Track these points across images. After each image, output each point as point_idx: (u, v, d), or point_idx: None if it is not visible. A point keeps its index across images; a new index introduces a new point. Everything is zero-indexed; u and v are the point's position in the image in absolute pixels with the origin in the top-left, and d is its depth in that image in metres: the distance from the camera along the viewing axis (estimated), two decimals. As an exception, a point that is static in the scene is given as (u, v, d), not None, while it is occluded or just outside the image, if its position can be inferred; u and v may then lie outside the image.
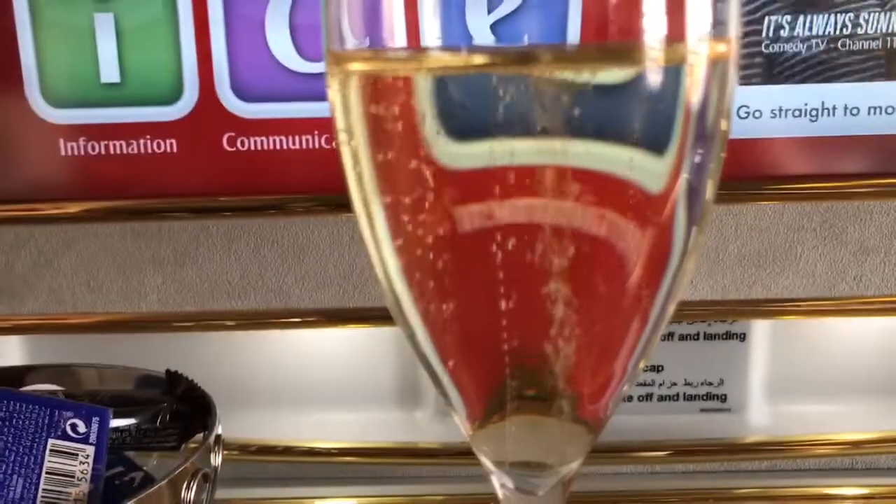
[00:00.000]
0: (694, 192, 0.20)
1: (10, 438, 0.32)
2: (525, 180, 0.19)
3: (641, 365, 0.23)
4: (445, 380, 0.23)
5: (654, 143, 0.18)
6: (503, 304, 0.20)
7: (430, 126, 0.19)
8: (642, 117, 0.18)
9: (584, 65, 0.18)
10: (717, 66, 0.19)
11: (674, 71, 0.18)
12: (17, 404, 0.34)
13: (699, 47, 0.18)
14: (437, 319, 0.21)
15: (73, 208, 0.50)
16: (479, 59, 0.20)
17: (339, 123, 0.22)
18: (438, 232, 0.20)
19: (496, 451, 0.24)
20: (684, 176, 0.19)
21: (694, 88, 0.18)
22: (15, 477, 0.32)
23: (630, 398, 0.55)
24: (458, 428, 0.25)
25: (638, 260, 0.20)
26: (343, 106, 0.22)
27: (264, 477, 0.52)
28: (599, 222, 0.19)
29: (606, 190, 0.19)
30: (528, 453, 0.24)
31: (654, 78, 0.18)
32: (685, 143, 0.19)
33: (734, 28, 0.20)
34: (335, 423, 0.55)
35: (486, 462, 0.24)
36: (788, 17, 0.46)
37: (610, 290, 0.20)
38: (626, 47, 0.18)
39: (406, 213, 0.20)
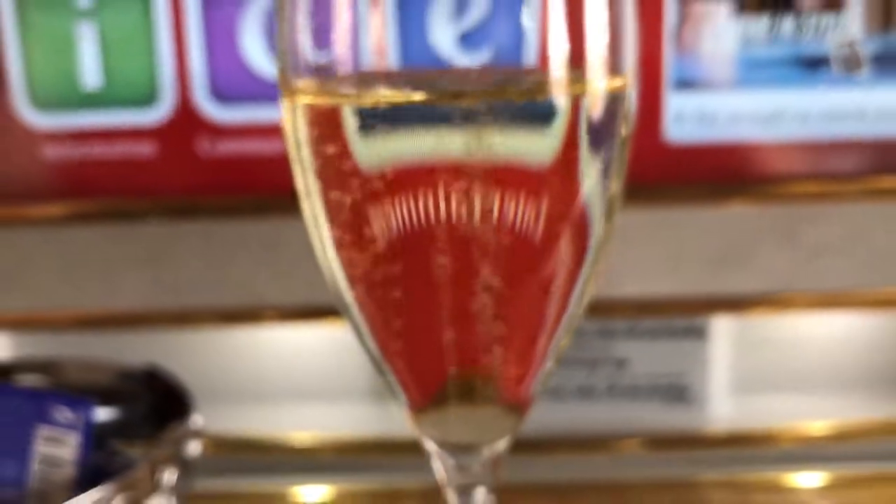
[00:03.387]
0: (599, 192, 0.22)
1: (2, 426, 0.35)
2: (449, 203, 0.21)
3: (556, 357, 0.25)
4: (388, 375, 0.25)
5: (564, 157, 0.20)
6: (435, 306, 0.22)
7: (359, 153, 0.21)
8: (551, 136, 0.20)
9: (502, 100, 0.21)
10: (615, 95, 0.21)
11: (576, 100, 0.20)
12: (8, 395, 0.36)
13: (598, 83, 0.20)
14: (378, 322, 0.23)
15: (55, 209, 0.52)
16: (412, 97, 0.22)
17: (289, 138, 0.24)
18: (372, 244, 0.22)
19: (442, 433, 0.26)
20: (590, 181, 0.21)
21: (594, 112, 0.21)
22: (7, 460, 0.34)
23: (596, 391, 0.57)
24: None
25: (551, 258, 0.22)
26: (292, 125, 0.24)
27: (241, 469, 0.54)
28: (516, 227, 0.21)
29: (523, 194, 0.21)
30: (466, 433, 0.26)
31: (562, 104, 0.20)
32: (587, 155, 0.21)
33: (630, 64, 0.22)
34: (311, 416, 0.56)
35: (429, 443, 0.26)
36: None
37: (528, 290, 0.22)
38: (540, 83, 0.20)
39: (344, 226, 0.22)
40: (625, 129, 0.22)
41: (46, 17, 0.50)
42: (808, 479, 0.54)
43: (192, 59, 0.50)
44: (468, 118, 0.20)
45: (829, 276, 0.51)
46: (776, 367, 0.57)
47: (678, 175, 0.50)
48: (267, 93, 0.50)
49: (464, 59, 0.27)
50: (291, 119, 0.24)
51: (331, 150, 0.23)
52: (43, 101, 0.51)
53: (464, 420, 0.26)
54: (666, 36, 0.48)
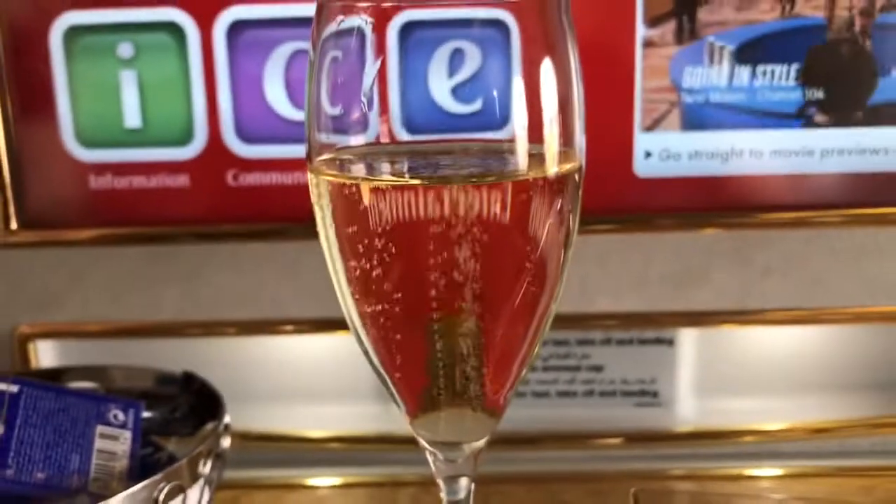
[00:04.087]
0: (563, 231, 0.29)
1: (67, 425, 0.41)
2: (438, 254, 0.28)
3: (526, 369, 0.32)
4: (390, 387, 0.32)
5: (533, 213, 0.28)
6: (429, 334, 0.29)
7: (361, 207, 0.28)
8: (526, 200, 0.27)
9: (482, 180, 0.28)
10: (570, 176, 0.28)
11: (543, 180, 0.28)
12: (72, 398, 0.43)
13: (555, 165, 0.28)
14: (380, 348, 0.31)
15: (100, 233, 0.58)
16: (409, 182, 0.29)
17: (313, 191, 0.31)
18: (381, 282, 0.29)
19: (433, 434, 0.33)
20: (553, 223, 0.28)
21: (557, 184, 0.28)
22: (72, 454, 0.41)
23: (575, 394, 0.64)
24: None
25: (528, 286, 0.29)
26: (314, 181, 0.31)
27: (262, 461, 0.61)
28: (499, 261, 0.28)
29: (508, 239, 0.28)
30: (456, 434, 0.33)
31: (531, 181, 0.27)
32: (549, 208, 0.28)
33: (580, 141, 0.29)
34: (324, 415, 0.63)
35: (422, 441, 0.33)
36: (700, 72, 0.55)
37: (506, 317, 0.29)
38: (513, 162, 0.28)
39: (362, 259, 0.29)
40: (578, 190, 0.29)
41: (92, 65, 0.56)
42: (765, 471, 0.61)
43: (221, 103, 0.56)
44: (453, 195, 0.27)
45: (774, 295, 0.58)
46: (736, 373, 0.63)
47: (646, 205, 0.57)
48: (286, 133, 0.57)
49: (456, 107, 0.34)
50: (316, 179, 0.31)
51: (345, 205, 0.29)
52: (88, 139, 0.58)
53: (450, 424, 0.33)
54: (636, 90, 0.55)
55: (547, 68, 0.29)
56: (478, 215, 0.27)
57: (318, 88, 0.32)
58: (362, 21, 0.31)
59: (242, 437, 0.59)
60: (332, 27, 0.31)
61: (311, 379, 0.64)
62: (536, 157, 0.29)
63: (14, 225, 0.58)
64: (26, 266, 0.59)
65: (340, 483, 0.59)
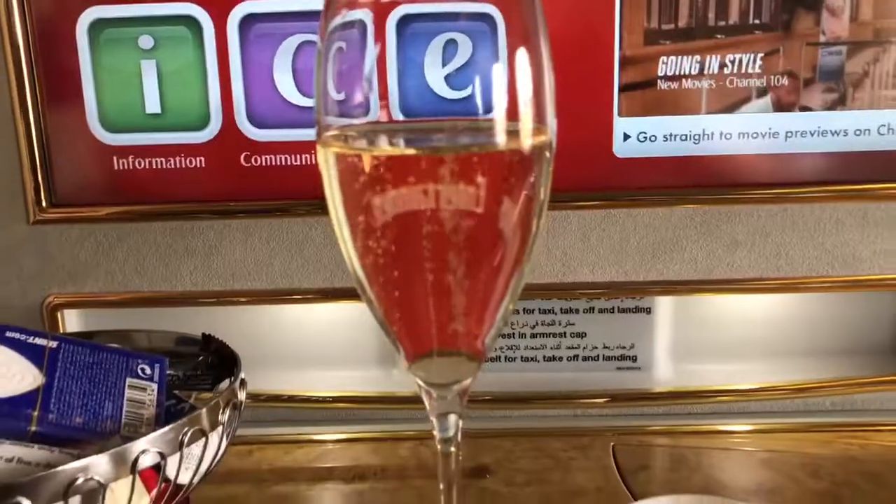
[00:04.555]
0: (534, 199, 0.34)
1: (100, 377, 0.47)
2: (430, 216, 0.33)
3: (503, 322, 0.37)
4: (393, 336, 0.38)
5: (509, 178, 0.32)
6: (422, 287, 0.34)
7: (362, 174, 0.33)
8: (504, 170, 0.32)
9: (464, 147, 0.33)
10: (541, 145, 0.33)
11: (517, 152, 0.33)
12: (104, 353, 0.48)
13: (529, 139, 0.33)
14: (383, 298, 0.36)
15: (123, 211, 0.63)
16: (405, 151, 0.34)
17: (321, 161, 0.36)
18: (379, 240, 0.34)
19: (427, 376, 0.38)
20: (526, 191, 0.33)
21: (530, 157, 0.33)
22: (106, 402, 0.46)
23: (560, 359, 0.69)
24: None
25: (509, 244, 0.34)
26: (323, 153, 0.36)
27: (273, 419, 0.66)
28: (481, 222, 0.33)
29: (488, 203, 0.33)
30: (444, 375, 0.38)
31: (506, 153, 0.32)
32: (523, 177, 0.33)
33: (551, 121, 0.34)
34: (329, 378, 0.68)
35: (423, 382, 0.38)
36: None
37: (485, 271, 0.34)
38: (493, 138, 0.33)
39: (361, 220, 0.34)
40: (549, 164, 0.34)
41: (115, 55, 0.61)
42: (736, 427, 0.66)
43: (234, 91, 0.61)
44: (440, 162, 0.32)
45: (741, 266, 0.63)
46: (708, 339, 0.69)
47: (624, 183, 0.62)
48: (294, 118, 0.62)
49: (449, 93, 0.39)
50: (324, 151, 0.36)
51: (349, 174, 0.34)
52: (112, 123, 0.62)
53: (440, 367, 0.38)
54: (615, 79, 0.60)
55: (522, 57, 0.33)
56: (461, 180, 0.32)
57: (324, 75, 0.37)
58: (364, 14, 0.36)
59: (254, 398, 0.64)
60: (337, 20, 0.36)
61: (317, 344, 0.69)
62: (514, 134, 0.34)
63: (44, 203, 0.63)
64: (55, 241, 0.64)
65: (345, 438, 0.64)
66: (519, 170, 0.34)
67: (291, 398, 0.67)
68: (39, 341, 0.46)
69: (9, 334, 0.45)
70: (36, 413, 0.43)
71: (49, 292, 0.65)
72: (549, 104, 0.35)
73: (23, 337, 0.45)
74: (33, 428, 0.43)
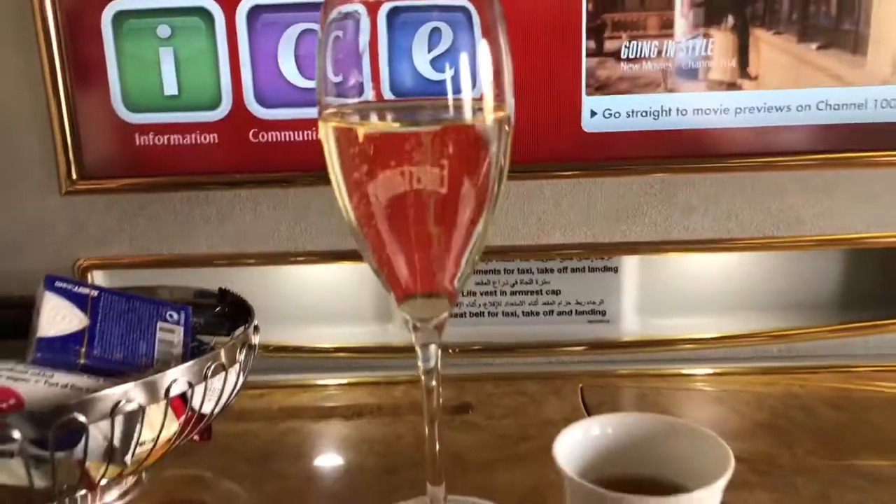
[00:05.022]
0: (495, 164, 0.41)
1: (135, 321, 0.54)
2: (413, 177, 0.40)
3: (471, 267, 0.45)
4: (383, 279, 0.45)
5: (474, 147, 0.40)
6: (404, 234, 0.42)
7: (357, 144, 0.41)
8: (469, 140, 0.40)
9: (438, 121, 0.41)
10: (500, 120, 0.41)
11: (481, 126, 0.40)
12: (137, 302, 0.56)
13: (490, 114, 0.40)
14: (376, 242, 0.43)
15: (144, 182, 0.71)
16: (392, 126, 0.42)
17: (322, 134, 0.44)
18: (369, 197, 0.42)
19: (412, 313, 0.46)
20: (488, 156, 0.41)
21: (491, 129, 0.40)
22: (140, 342, 0.54)
23: (538, 313, 0.77)
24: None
25: (474, 198, 0.41)
26: (324, 127, 0.43)
27: (281, 367, 0.74)
28: (451, 178, 0.40)
29: (453, 163, 0.40)
30: (425, 312, 0.46)
31: (471, 127, 0.40)
32: (485, 145, 0.41)
33: (509, 100, 0.41)
34: (331, 331, 0.76)
35: (410, 317, 0.46)
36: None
37: (453, 222, 0.42)
38: (462, 114, 0.40)
39: (357, 179, 0.42)
40: (507, 136, 0.41)
41: (136, 43, 0.69)
42: (695, 371, 0.73)
43: (243, 74, 0.69)
44: (423, 134, 0.39)
45: (696, 228, 0.70)
46: (670, 294, 0.76)
47: (591, 155, 0.69)
48: (297, 99, 0.69)
49: (433, 74, 0.46)
50: (325, 125, 0.43)
51: (343, 137, 0.42)
52: (134, 104, 0.70)
53: (422, 304, 0.45)
54: (582, 63, 0.67)
55: (484, 48, 0.41)
56: (434, 148, 0.40)
57: (324, 61, 0.44)
58: (358, 7, 0.43)
59: (264, 349, 0.72)
60: (334, 14, 0.43)
61: (319, 300, 0.77)
62: (479, 110, 0.41)
63: (74, 177, 0.70)
64: (84, 210, 0.71)
65: (345, 382, 0.72)
66: (482, 140, 0.41)
67: (297, 349, 0.75)
68: (83, 290, 0.53)
69: (57, 284, 0.53)
70: (83, 349, 0.51)
71: (79, 256, 0.72)
72: (508, 86, 0.42)
73: (69, 286, 0.53)
74: (81, 361, 0.51)
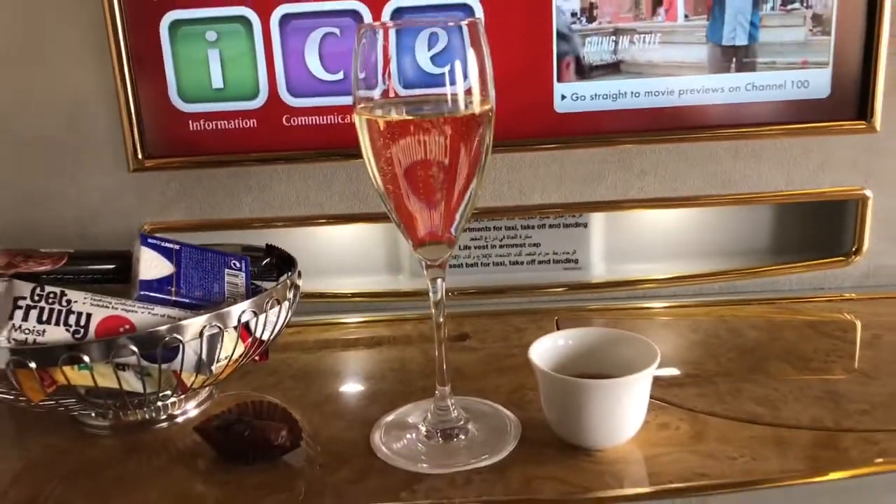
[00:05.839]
0: (482, 143, 0.57)
1: (208, 268, 0.70)
2: (424, 150, 0.56)
3: (466, 218, 0.61)
4: (403, 230, 0.61)
5: (466, 131, 0.56)
6: (416, 195, 0.58)
7: (382, 130, 0.57)
8: (463, 125, 0.56)
9: (439, 112, 0.56)
10: (486, 112, 0.56)
11: (471, 115, 0.56)
12: (208, 254, 0.71)
13: (481, 106, 0.56)
14: (398, 202, 0.59)
15: (197, 160, 0.86)
16: (405, 117, 0.58)
17: (357, 123, 0.59)
18: (392, 168, 0.58)
19: (424, 255, 0.62)
20: (477, 137, 0.57)
21: (479, 117, 0.56)
22: (214, 284, 0.69)
23: (522, 262, 0.93)
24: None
25: (466, 169, 0.57)
26: (358, 118, 0.59)
27: (311, 310, 0.89)
28: (450, 153, 0.56)
29: (452, 147, 0.56)
30: (432, 254, 0.62)
31: (464, 116, 0.56)
32: (474, 129, 0.56)
33: (492, 93, 0.57)
34: (351, 280, 0.92)
35: (422, 258, 0.62)
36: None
37: (452, 185, 0.58)
38: (457, 105, 0.56)
39: (382, 156, 0.57)
40: (491, 121, 0.57)
41: (188, 46, 0.84)
42: (652, 305, 0.89)
43: (277, 70, 0.84)
44: (428, 122, 0.55)
45: (649, 190, 0.86)
46: (631, 244, 0.92)
47: (562, 132, 0.85)
48: (321, 90, 0.84)
49: (432, 68, 0.62)
50: (359, 117, 0.58)
51: (372, 126, 0.57)
52: (187, 96, 0.85)
53: (430, 248, 0.61)
54: (554, 58, 0.83)
55: (471, 54, 0.56)
56: (438, 132, 0.56)
57: (356, 64, 0.60)
58: (376, 26, 0.59)
59: (298, 294, 0.88)
60: (362, 31, 0.59)
61: (340, 255, 0.93)
62: (470, 103, 0.57)
63: (140, 156, 0.86)
64: (148, 183, 0.87)
65: (364, 321, 0.89)
66: (472, 125, 0.57)
67: (323, 295, 0.91)
68: (168, 245, 0.69)
69: (150, 240, 0.69)
70: (173, 289, 0.67)
71: (144, 221, 0.88)
72: (490, 84, 0.58)
73: (158, 242, 0.69)
74: (172, 298, 0.67)
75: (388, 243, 0.93)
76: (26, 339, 0.62)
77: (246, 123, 0.85)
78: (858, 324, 0.83)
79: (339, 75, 0.84)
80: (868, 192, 0.87)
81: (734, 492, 0.56)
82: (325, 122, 0.85)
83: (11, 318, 0.62)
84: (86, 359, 0.61)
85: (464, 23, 0.57)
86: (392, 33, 0.59)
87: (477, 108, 0.57)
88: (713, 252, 0.93)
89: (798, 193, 0.87)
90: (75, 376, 0.62)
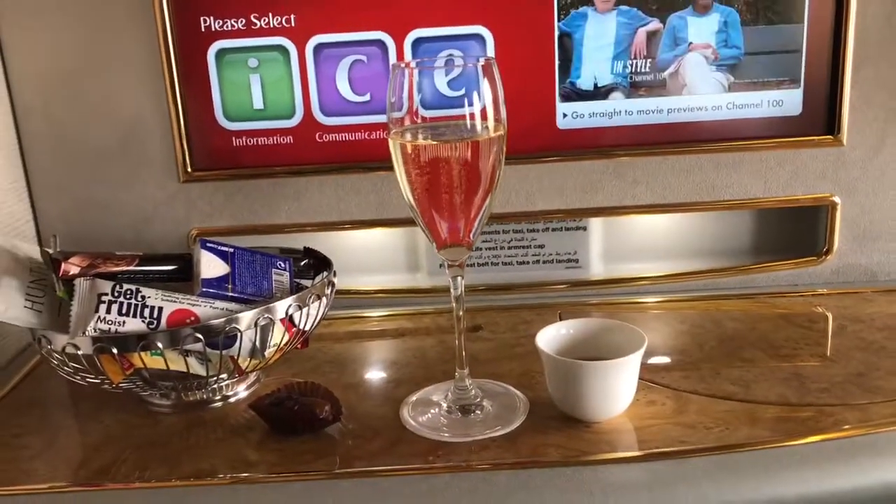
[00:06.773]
0: (497, 163, 0.68)
1: (257, 268, 0.81)
2: (448, 166, 0.67)
3: (481, 226, 0.71)
4: (428, 234, 0.72)
5: (482, 152, 0.66)
6: (439, 202, 0.69)
7: (410, 152, 0.67)
8: (479, 147, 0.66)
9: (460, 137, 0.67)
10: (500, 136, 0.67)
11: (486, 139, 0.67)
12: (258, 255, 0.82)
13: (495, 131, 0.67)
14: (424, 211, 0.70)
15: (239, 173, 0.96)
16: (429, 141, 0.69)
17: (391, 146, 0.70)
18: (420, 180, 0.68)
19: (445, 256, 0.73)
20: (492, 158, 0.67)
21: (493, 139, 0.67)
22: (263, 281, 0.80)
23: (528, 262, 1.04)
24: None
25: (483, 185, 0.68)
26: (392, 142, 0.70)
27: (341, 307, 0.99)
28: (469, 171, 0.66)
29: (469, 165, 0.67)
30: (453, 256, 0.72)
31: (479, 139, 0.66)
32: (490, 151, 0.67)
33: (504, 121, 0.68)
34: (375, 278, 1.03)
35: (445, 259, 0.73)
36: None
37: (471, 197, 0.68)
38: (475, 130, 0.66)
39: (412, 173, 0.68)
40: (503, 142, 0.67)
41: (233, 72, 0.94)
42: (647, 300, 0.99)
43: (310, 93, 0.95)
44: (448, 144, 0.66)
45: (642, 197, 0.97)
46: (626, 246, 1.03)
47: (564, 146, 0.96)
48: (350, 109, 0.95)
49: (449, 92, 0.72)
50: (393, 141, 0.69)
51: (403, 148, 0.68)
52: (231, 115, 0.96)
53: (452, 250, 0.72)
54: (556, 80, 0.93)
55: (485, 84, 0.67)
56: (458, 154, 0.66)
57: (390, 93, 0.70)
58: (403, 65, 0.69)
59: (330, 291, 0.99)
60: (393, 68, 0.69)
61: (367, 256, 1.03)
62: (485, 128, 0.68)
63: (189, 169, 0.97)
64: (196, 193, 0.97)
65: (387, 314, 0.99)
66: (488, 147, 0.68)
67: (348, 292, 1.01)
68: (224, 248, 0.80)
69: (208, 244, 0.80)
70: (230, 286, 0.78)
71: (192, 227, 0.99)
72: (503, 110, 0.68)
73: (215, 245, 0.80)
74: (229, 294, 0.78)
75: (409, 245, 1.04)
76: (109, 329, 0.73)
77: (283, 140, 0.96)
78: (830, 315, 0.93)
79: (367, 97, 0.95)
80: (836, 199, 0.97)
81: (709, 455, 0.67)
82: (353, 138, 0.96)
83: (97, 311, 0.73)
84: (159, 345, 0.72)
85: (480, 63, 0.67)
86: (416, 73, 0.69)
87: (492, 133, 0.68)
88: (699, 253, 1.03)
89: (774, 200, 0.97)
90: (149, 361, 0.73)
